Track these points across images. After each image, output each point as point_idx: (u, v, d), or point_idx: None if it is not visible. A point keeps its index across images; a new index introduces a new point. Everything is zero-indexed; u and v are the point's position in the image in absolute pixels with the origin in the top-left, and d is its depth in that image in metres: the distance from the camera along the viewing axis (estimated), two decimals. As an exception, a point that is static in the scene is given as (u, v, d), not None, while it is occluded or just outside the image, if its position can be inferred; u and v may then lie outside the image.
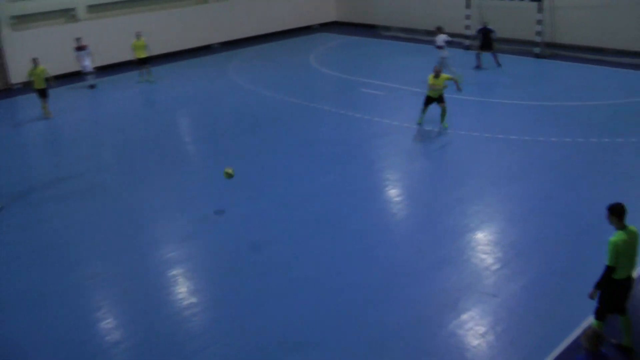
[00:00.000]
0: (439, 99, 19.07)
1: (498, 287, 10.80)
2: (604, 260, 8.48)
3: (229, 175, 14.46)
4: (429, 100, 19.24)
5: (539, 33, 27.60)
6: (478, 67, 26.35)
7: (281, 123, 20.55)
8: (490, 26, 26.12)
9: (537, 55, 27.74)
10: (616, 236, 8.34)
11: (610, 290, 8.61)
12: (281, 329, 10.00)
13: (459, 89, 19.31)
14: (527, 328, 9.72)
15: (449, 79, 19.11)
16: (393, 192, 15.23)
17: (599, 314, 8.82)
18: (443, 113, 19.08)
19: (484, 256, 11.86)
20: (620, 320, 8.98)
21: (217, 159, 17.74)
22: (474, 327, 9.76)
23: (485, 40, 26.15)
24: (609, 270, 8.39)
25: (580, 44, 27.79)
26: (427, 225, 13.36)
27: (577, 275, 11.00)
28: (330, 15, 39.07)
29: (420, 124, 19.45)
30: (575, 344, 9.06)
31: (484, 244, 12.39)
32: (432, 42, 24.71)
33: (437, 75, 18.89)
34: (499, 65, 26.24)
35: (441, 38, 24.58)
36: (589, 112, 19.96)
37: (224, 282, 11.60)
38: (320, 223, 13.51)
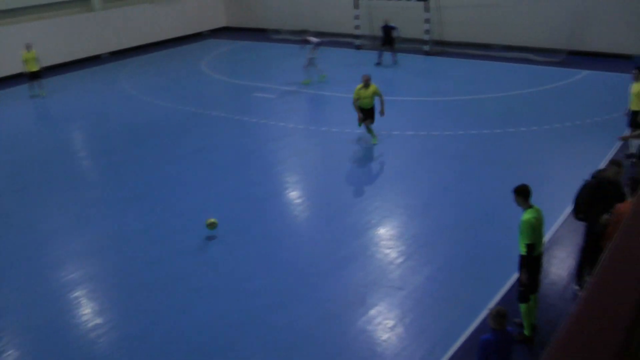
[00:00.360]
0: (370, 113, 17.38)
1: (403, 280, 11.02)
2: (518, 245, 8.87)
3: (212, 225, 13.08)
4: (364, 113, 17.33)
5: (427, 31, 28.40)
6: (379, 64, 26.88)
7: (176, 132, 20.23)
8: (392, 24, 26.67)
9: (427, 53, 28.58)
10: (528, 214, 8.71)
11: (530, 269, 8.94)
12: (189, 339, 9.84)
13: (382, 114, 17.24)
14: (434, 316, 9.98)
15: (378, 93, 17.13)
16: (293, 195, 15.26)
17: (524, 297, 9.08)
18: (369, 128, 17.55)
19: (387, 251, 12.08)
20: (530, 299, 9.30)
21: (112, 172, 17.28)
22: (383, 321, 9.94)
23: (387, 37, 26.66)
24: (530, 247, 8.72)
25: (467, 41, 28.79)
26: (329, 225, 13.47)
27: (479, 261, 11.40)
28: (220, 20, 38.84)
29: (374, 142, 17.66)
30: (483, 326, 9.34)
31: (386, 238, 12.62)
32: (318, 44, 24.88)
33: (366, 85, 17.07)
34: (394, 62, 26.95)
35: (314, 39, 24.79)
36: (479, 105, 20.72)
37: (128, 299, 11.27)
38: (221, 230, 13.29)
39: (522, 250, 8.84)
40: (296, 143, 18.60)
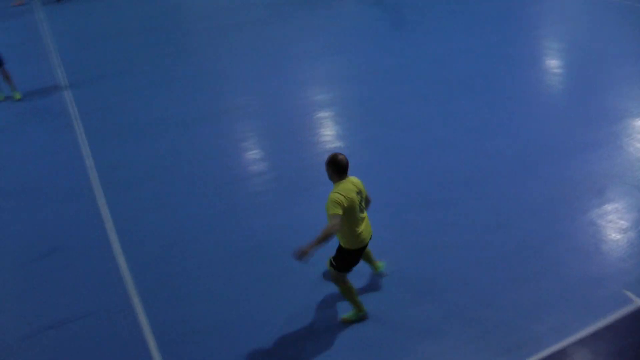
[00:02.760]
0: None
1: (650, 181, 10.20)
2: None
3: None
4: None
5: None
6: None
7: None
8: None
9: None
10: None
11: None
12: (436, 177, 10.08)
13: None
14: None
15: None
16: (551, 63, 14.43)
17: None
18: None
19: (640, 146, 11.18)
20: None
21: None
22: (617, 220, 9.33)
23: None
24: None
25: None
26: (581, 105, 12.63)
27: None
28: None
29: None
30: None
31: (641, 132, 11.63)
32: None
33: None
34: None
35: None
36: None
37: (366, 129, 11.68)
38: (466, 85, 13.21)
39: None
40: (559, 8, 17.40)
